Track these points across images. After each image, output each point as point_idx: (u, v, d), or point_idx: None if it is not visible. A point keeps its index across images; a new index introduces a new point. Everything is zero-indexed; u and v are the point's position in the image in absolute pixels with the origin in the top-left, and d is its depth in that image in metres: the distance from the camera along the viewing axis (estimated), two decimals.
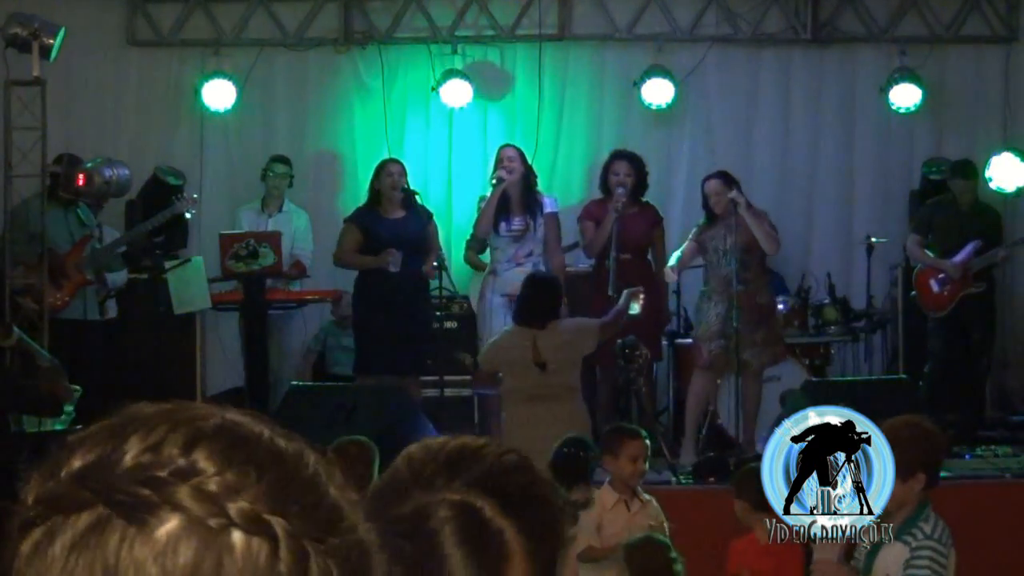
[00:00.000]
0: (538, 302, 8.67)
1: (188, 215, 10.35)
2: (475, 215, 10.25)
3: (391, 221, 9.85)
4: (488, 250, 10.15)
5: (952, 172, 10.51)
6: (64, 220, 9.76)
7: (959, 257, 10.12)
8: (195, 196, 10.32)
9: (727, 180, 9.67)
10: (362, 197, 10.42)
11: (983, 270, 10.21)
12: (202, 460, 0.93)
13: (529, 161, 10.25)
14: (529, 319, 8.56)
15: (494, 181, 9.87)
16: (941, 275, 10.17)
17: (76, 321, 9.59)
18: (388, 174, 9.96)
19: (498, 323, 9.65)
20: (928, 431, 5.18)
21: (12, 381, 8.13)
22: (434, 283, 10.00)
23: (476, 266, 10.71)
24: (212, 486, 0.92)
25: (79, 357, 9.40)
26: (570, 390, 8.62)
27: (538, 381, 8.45)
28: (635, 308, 8.97)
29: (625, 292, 9.01)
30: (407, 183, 9.99)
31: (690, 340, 10.36)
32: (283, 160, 10.99)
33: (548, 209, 9.95)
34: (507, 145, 10.26)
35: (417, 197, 10.12)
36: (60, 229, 9.71)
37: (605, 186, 10.17)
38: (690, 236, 9.76)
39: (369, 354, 9.79)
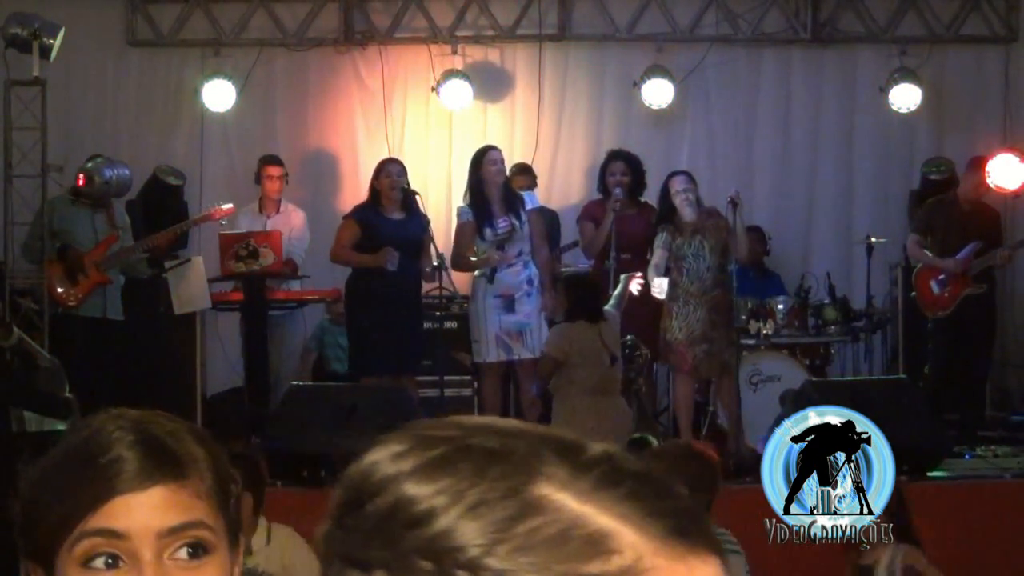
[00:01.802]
0: (594, 297, 8.96)
1: (223, 222, 10.34)
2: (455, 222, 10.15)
3: (391, 221, 9.83)
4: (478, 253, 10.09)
5: (969, 166, 10.49)
6: (90, 219, 9.78)
7: (959, 256, 10.11)
8: (230, 205, 10.28)
9: (692, 179, 9.65)
10: (361, 197, 10.41)
11: (984, 270, 10.19)
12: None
13: (528, 163, 10.24)
14: (592, 315, 8.79)
15: (530, 199, 9.80)
16: (941, 276, 10.15)
17: (94, 319, 9.62)
18: (387, 174, 9.93)
19: (493, 325, 9.63)
20: (681, 455, 5.10)
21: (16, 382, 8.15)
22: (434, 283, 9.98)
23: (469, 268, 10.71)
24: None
25: (95, 355, 9.43)
26: (619, 384, 8.95)
27: (604, 374, 8.71)
28: (635, 288, 9.36)
29: (623, 277, 9.32)
30: (406, 183, 9.97)
31: None
32: (274, 161, 10.92)
33: (530, 205, 9.90)
34: (494, 148, 10.08)
35: (418, 198, 10.09)
36: (85, 228, 9.74)
37: (603, 187, 10.16)
38: (659, 246, 9.47)
39: (364, 355, 9.77)
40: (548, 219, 10.48)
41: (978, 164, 10.44)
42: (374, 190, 9.96)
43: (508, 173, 9.97)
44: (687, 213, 9.41)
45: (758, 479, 5.19)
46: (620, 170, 9.99)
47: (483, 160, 9.75)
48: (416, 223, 9.84)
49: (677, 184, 9.50)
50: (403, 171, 9.98)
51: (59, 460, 1.58)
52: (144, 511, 1.53)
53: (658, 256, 9.46)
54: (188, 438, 1.59)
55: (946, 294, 10.12)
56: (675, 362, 9.52)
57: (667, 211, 9.54)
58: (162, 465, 1.55)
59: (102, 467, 1.53)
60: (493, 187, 9.70)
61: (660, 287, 9.40)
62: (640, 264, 9.90)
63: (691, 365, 9.41)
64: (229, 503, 1.60)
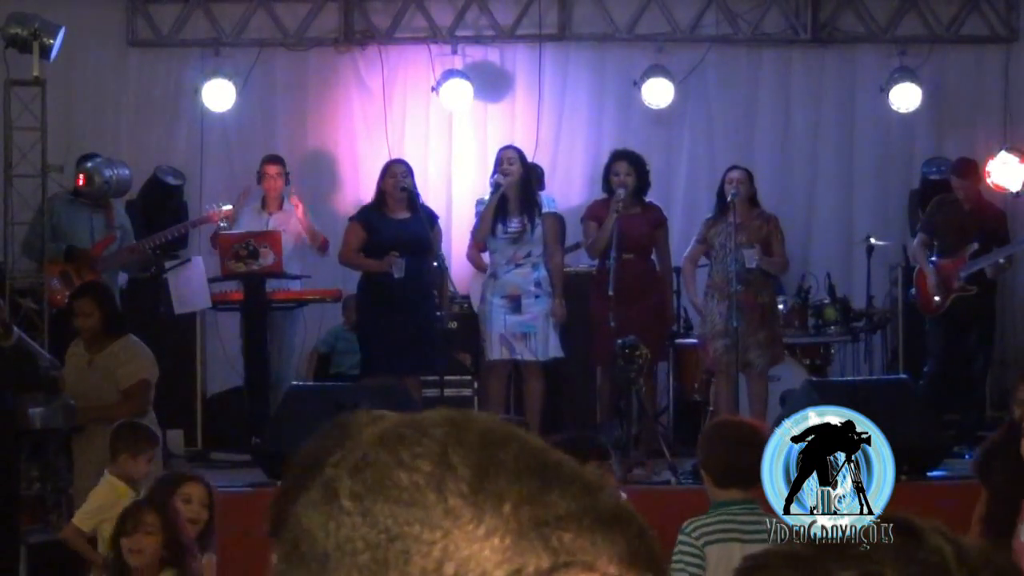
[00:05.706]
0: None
1: (222, 224, 10.32)
2: (474, 218, 10.25)
3: (395, 221, 9.86)
4: (488, 251, 10.14)
5: (951, 171, 10.46)
6: (89, 219, 9.77)
7: (950, 269, 10.04)
8: (229, 207, 10.27)
9: (750, 175, 9.80)
10: (361, 197, 10.41)
11: (979, 271, 10.11)
12: None
13: (529, 161, 10.24)
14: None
15: (492, 182, 9.88)
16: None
17: None
18: (392, 175, 9.97)
19: (498, 324, 9.66)
20: (712, 432, 5.15)
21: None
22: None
23: (479, 265, 10.71)
24: None
25: None
26: None
27: None
28: None
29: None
30: (411, 184, 9.99)
31: (690, 340, 10.38)
32: (276, 160, 10.89)
33: (546, 209, 9.95)
34: (507, 147, 10.24)
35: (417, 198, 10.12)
36: (82, 227, 9.73)
37: (608, 186, 10.17)
38: (695, 239, 9.86)
39: (374, 355, 9.82)
40: None
41: (961, 169, 10.31)
42: (380, 191, 10.00)
43: (519, 172, 9.93)
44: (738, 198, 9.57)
45: None
46: (624, 170, 9.99)
47: (498, 159, 9.89)
48: (420, 223, 9.85)
49: (734, 175, 9.72)
50: (407, 172, 10.02)
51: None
52: None
53: (691, 247, 9.87)
54: None
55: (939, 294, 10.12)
56: (705, 356, 9.67)
57: (722, 203, 9.71)
58: None
59: None
60: (507, 187, 9.76)
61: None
62: (643, 264, 9.93)
63: (712, 359, 9.50)
64: None
